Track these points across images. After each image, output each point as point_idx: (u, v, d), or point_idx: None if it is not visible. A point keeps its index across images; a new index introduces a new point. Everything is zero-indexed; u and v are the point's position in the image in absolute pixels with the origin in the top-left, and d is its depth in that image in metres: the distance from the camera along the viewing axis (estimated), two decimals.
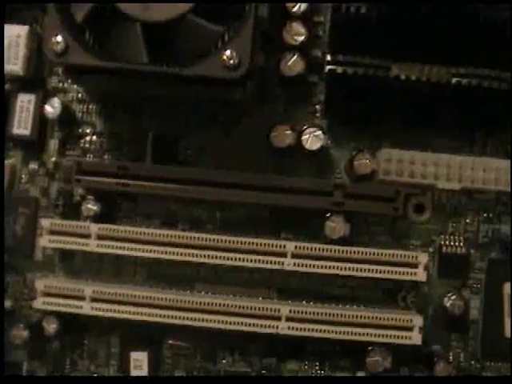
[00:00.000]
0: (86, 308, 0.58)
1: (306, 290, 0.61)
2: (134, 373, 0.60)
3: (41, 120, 0.61)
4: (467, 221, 0.61)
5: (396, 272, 0.58)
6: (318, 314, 0.58)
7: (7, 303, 0.61)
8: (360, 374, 0.60)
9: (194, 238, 0.58)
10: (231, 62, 0.52)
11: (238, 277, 0.61)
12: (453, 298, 0.60)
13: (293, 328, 0.58)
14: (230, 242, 0.58)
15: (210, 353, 0.61)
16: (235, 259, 0.58)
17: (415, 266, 0.58)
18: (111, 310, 0.58)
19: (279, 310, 0.58)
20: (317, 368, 0.61)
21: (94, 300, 0.58)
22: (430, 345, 0.60)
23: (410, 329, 0.58)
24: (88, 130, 0.62)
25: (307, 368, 0.61)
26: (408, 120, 0.60)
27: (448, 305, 0.59)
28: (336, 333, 0.57)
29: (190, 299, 0.58)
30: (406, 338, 0.58)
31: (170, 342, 0.61)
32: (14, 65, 0.60)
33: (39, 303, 0.59)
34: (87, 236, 0.58)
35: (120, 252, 0.58)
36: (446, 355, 0.60)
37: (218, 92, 0.56)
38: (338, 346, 0.60)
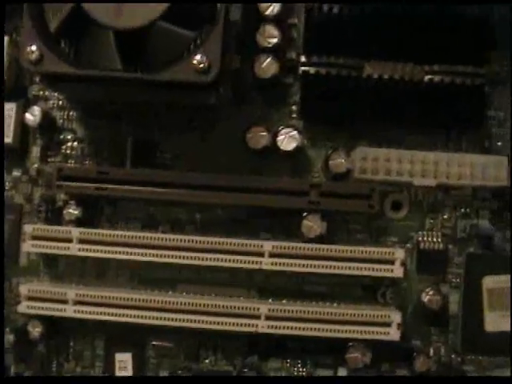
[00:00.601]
0: (69, 311, 0.59)
1: (285, 289, 0.62)
2: (119, 373, 0.62)
3: (22, 128, 0.63)
4: (444, 217, 0.62)
5: (373, 269, 0.59)
6: (296, 311, 0.58)
7: None
8: (341, 370, 0.61)
9: (175, 239, 0.59)
10: (201, 66, 0.53)
11: (219, 277, 0.62)
12: (430, 293, 0.60)
13: (272, 326, 0.58)
14: (209, 242, 0.59)
15: (193, 352, 0.62)
16: (214, 260, 0.59)
17: (392, 262, 0.59)
18: (94, 313, 0.59)
19: (259, 309, 0.58)
20: (299, 365, 0.62)
21: (78, 303, 0.59)
22: (409, 340, 0.61)
23: (388, 325, 0.58)
24: (69, 137, 0.63)
25: (289, 366, 0.62)
26: (382, 118, 0.60)
27: (426, 300, 0.60)
28: (315, 330, 0.58)
29: (172, 300, 0.59)
30: (384, 333, 0.58)
31: (154, 342, 0.62)
32: None
33: (23, 307, 0.60)
34: (69, 240, 0.59)
35: (101, 255, 0.59)
36: (426, 350, 0.61)
37: (191, 96, 0.57)
38: (318, 344, 0.61)
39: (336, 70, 0.59)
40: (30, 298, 0.60)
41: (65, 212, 0.61)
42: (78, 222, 0.61)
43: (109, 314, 0.59)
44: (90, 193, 0.59)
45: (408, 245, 0.61)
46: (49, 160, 0.63)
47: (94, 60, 0.55)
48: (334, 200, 0.59)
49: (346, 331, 0.58)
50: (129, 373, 0.61)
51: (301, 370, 0.62)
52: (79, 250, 0.59)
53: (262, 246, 0.59)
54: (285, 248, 0.59)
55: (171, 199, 0.60)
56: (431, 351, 0.61)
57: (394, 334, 0.58)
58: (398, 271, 0.59)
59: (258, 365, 0.62)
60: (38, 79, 0.62)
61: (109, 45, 0.55)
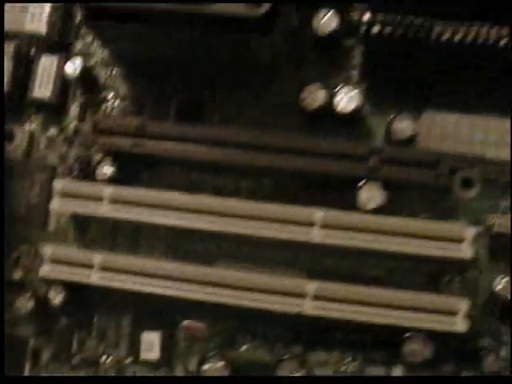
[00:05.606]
0: (95, 277, 0.54)
1: (338, 271, 0.55)
2: (143, 356, 0.55)
3: (62, 83, 0.59)
4: None
5: (438, 248, 0.51)
6: (348, 293, 0.51)
7: (16, 275, 0.57)
8: (396, 368, 0.53)
9: (216, 203, 0.53)
10: None
11: (263, 254, 0.55)
12: (504, 281, 0.52)
13: (320, 308, 0.51)
14: (253, 209, 0.53)
15: (229, 336, 0.55)
16: (259, 228, 0.52)
17: (460, 241, 0.51)
18: (121, 281, 0.53)
19: (305, 288, 0.52)
20: (349, 359, 0.54)
21: (104, 269, 0.54)
22: (478, 336, 0.53)
23: (453, 313, 0.51)
24: (111, 95, 0.59)
25: (337, 359, 0.54)
26: (453, 82, 0.54)
27: (498, 289, 0.52)
28: (368, 315, 0.51)
29: (209, 272, 0.53)
30: (448, 324, 0.51)
31: (185, 323, 0.55)
32: (37, 24, 0.59)
33: (45, 271, 0.54)
34: (100, 199, 0.54)
35: (134, 217, 0.54)
36: (497, 348, 0.53)
37: (245, 47, 0.53)
38: (372, 334, 0.53)
39: (403, 29, 0.54)
40: (54, 261, 0.54)
41: (98, 171, 0.56)
42: (112, 182, 0.55)
43: (137, 284, 0.53)
44: (128, 149, 0.54)
45: (479, 227, 0.54)
46: (87, 119, 0.59)
47: None
48: (396, 168, 0.52)
49: (405, 318, 0.51)
50: (156, 355, 0.55)
51: (351, 364, 0.54)
52: (110, 210, 0.54)
53: (312, 215, 0.52)
54: (338, 218, 0.52)
55: (216, 160, 0.54)
56: (503, 350, 0.53)
57: (460, 325, 0.50)
58: (466, 252, 0.51)
59: (301, 355, 0.54)
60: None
61: None
